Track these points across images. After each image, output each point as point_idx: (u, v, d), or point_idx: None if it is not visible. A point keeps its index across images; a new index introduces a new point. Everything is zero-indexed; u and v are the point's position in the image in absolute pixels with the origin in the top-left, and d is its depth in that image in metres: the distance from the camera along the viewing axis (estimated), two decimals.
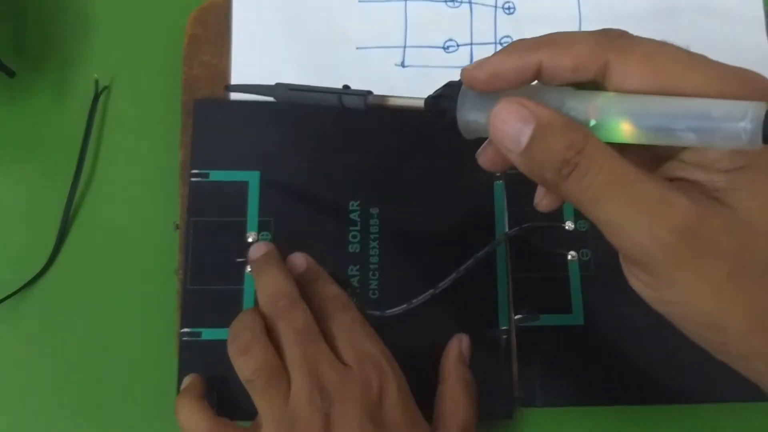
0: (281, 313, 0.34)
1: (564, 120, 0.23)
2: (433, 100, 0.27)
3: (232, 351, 0.33)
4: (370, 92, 0.30)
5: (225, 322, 0.38)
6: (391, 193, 0.40)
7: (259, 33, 0.42)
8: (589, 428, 0.39)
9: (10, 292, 0.39)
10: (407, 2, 0.43)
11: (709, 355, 0.27)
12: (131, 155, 0.42)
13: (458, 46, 0.43)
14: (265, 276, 0.36)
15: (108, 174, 0.42)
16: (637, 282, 0.25)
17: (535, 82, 0.25)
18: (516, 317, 0.39)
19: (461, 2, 0.43)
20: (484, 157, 0.29)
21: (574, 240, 0.39)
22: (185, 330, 0.38)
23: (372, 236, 0.39)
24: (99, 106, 0.42)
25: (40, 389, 0.39)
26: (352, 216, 0.40)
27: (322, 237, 0.39)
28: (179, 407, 0.35)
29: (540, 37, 0.25)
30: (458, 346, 0.37)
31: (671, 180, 0.25)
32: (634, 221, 0.23)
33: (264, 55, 0.42)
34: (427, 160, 0.41)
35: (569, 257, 0.39)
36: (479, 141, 0.38)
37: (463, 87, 0.26)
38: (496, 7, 0.44)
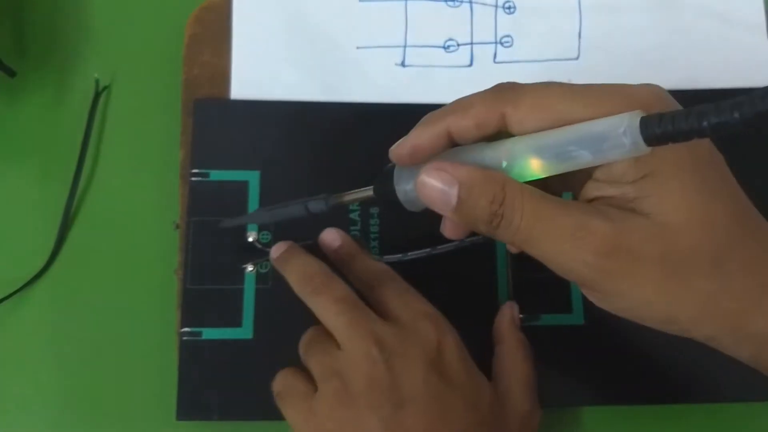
0: (319, 288, 0.34)
1: (482, 174, 0.26)
2: (377, 185, 0.30)
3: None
4: (328, 196, 0.34)
5: (225, 322, 0.38)
6: None
7: (260, 33, 0.42)
8: (589, 428, 0.39)
9: (10, 291, 0.39)
10: (407, 2, 0.43)
11: (709, 355, 0.29)
12: (131, 155, 0.42)
13: (458, 45, 0.43)
14: (293, 262, 0.36)
15: (108, 173, 0.42)
16: (592, 298, 0.28)
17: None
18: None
19: (461, 1, 0.43)
20: (447, 230, 0.32)
21: None
22: (185, 329, 0.38)
23: (372, 236, 0.39)
24: (99, 105, 0.42)
25: (41, 388, 0.39)
26: (352, 216, 0.40)
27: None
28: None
29: (446, 106, 0.28)
30: (510, 311, 0.38)
31: (591, 200, 0.27)
32: (562, 252, 0.26)
33: (264, 54, 0.42)
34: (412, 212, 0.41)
35: None
36: None
37: (396, 166, 0.30)
38: (496, 6, 0.43)
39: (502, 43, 0.43)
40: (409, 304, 0.34)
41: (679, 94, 0.41)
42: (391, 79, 0.42)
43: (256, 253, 0.39)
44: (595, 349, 0.38)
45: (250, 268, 0.39)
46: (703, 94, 0.41)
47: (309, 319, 0.36)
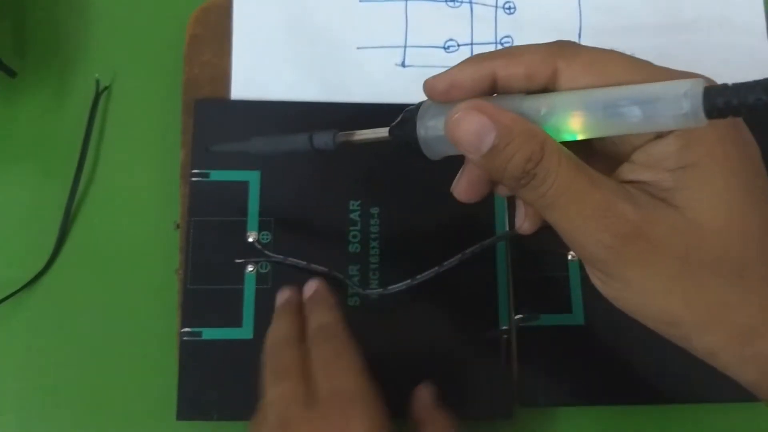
0: (268, 354, 0.35)
1: (523, 127, 0.24)
2: (397, 125, 0.28)
3: None
4: (336, 132, 0.31)
5: (225, 322, 0.38)
6: (391, 192, 0.40)
7: (260, 33, 0.43)
8: (589, 428, 0.39)
9: (11, 292, 0.39)
10: (408, 2, 0.43)
11: None
12: (132, 155, 0.42)
13: (459, 45, 0.43)
14: (275, 322, 0.37)
15: (109, 173, 0.42)
16: (596, 279, 0.27)
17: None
18: (516, 317, 0.39)
19: (462, 2, 0.44)
20: (461, 189, 0.30)
21: None
22: (186, 330, 0.38)
23: (372, 236, 0.39)
24: (100, 105, 0.42)
25: (41, 388, 0.39)
26: (352, 216, 0.40)
27: (323, 237, 0.39)
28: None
29: (496, 50, 0.26)
30: (427, 393, 0.36)
31: (623, 182, 0.25)
32: (582, 228, 0.25)
33: (265, 55, 0.42)
34: (427, 160, 0.41)
35: (569, 257, 0.39)
36: None
37: (423, 103, 0.27)
38: (496, 7, 0.44)
39: (502, 44, 0.43)
40: (329, 378, 0.33)
41: None
42: (392, 79, 0.42)
43: (256, 254, 0.39)
44: (595, 349, 0.39)
45: (250, 268, 0.39)
46: None
47: None
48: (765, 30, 0.42)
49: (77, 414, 0.39)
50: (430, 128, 0.27)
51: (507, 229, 0.39)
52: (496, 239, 0.39)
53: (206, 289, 0.39)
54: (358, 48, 0.43)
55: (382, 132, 0.29)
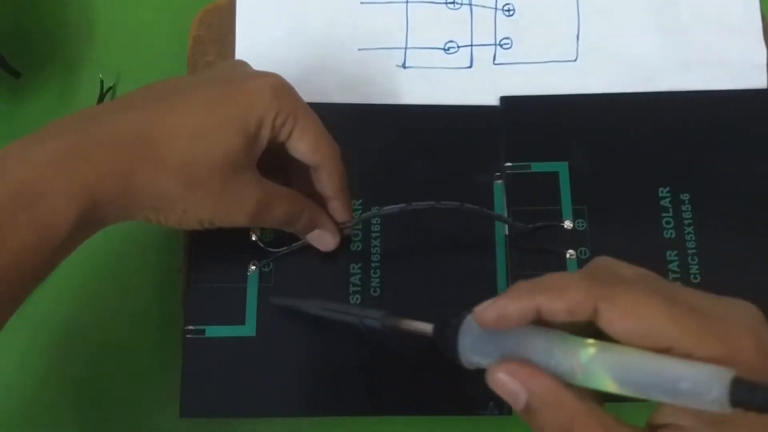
0: None
1: (554, 397, 0.25)
2: (440, 335, 0.30)
3: None
4: (386, 316, 0.33)
5: (228, 320, 0.38)
6: (391, 192, 0.40)
7: (263, 35, 0.43)
8: None
9: None
10: (408, 4, 0.44)
11: None
12: None
13: (459, 47, 0.44)
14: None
15: None
16: None
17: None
18: None
19: (461, 4, 0.44)
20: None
21: (573, 238, 0.39)
22: (190, 327, 0.38)
23: (374, 235, 0.40)
24: None
25: (44, 387, 0.39)
26: (354, 214, 0.40)
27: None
28: None
29: (538, 280, 0.27)
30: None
31: (663, 426, 0.26)
32: None
33: (267, 56, 0.42)
34: (427, 160, 0.41)
35: (568, 256, 0.40)
36: (486, 142, 0.38)
37: (467, 319, 0.28)
38: (495, 9, 0.44)
39: (501, 45, 0.44)
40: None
41: (676, 95, 0.42)
42: (392, 80, 0.43)
43: (259, 252, 0.39)
44: None
45: (253, 267, 0.39)
46: (700, 95, 0.42)
47: (310, 318, 0.37)
48: (761, 33, 0.43)
49: (81, 412, 0.39)
50: (469, 359, 0.28)
51: (506, 230, 0.40)
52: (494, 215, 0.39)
53: (210, 287, 0.39)
54: (360, 49, 0.44)
55: (427, 328, 0.31)
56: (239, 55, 0.43)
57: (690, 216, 0.39)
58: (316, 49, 0.43)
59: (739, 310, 0.25)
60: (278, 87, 0.34)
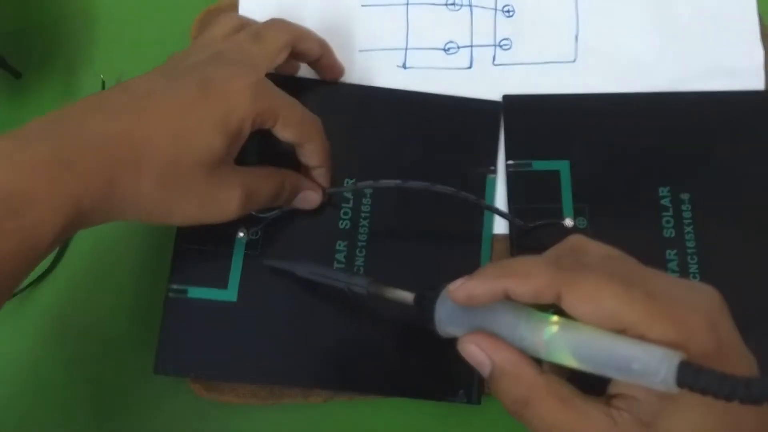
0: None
1: (513, 370, 0.27)
2: (419, 299, 0.32)
3: None
4: (371, 282, 0.34)
5: (212, 283, 0.39)
6: (385, 175, 0.39)
7: None
8: None
9: (16, 290, 0.39)
10: (408, 5, 0.44)
11: None
12: None
13: (459, 48, 0.44)
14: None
15: None
16: None
17: None
18: None
19: (461, 5, 0.44)
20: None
21: None
22: (173, 286, 0.39)
23: (363, 215, 0.40)
24: None
25: (47, 387, 0.39)
26: (345, 194, 0.40)
27: (314, 213, 0.40)
28: None
29: (506, 263, 0.29)
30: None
31: (618, 396, 0.27)
32: None
33: None
34: (421, 148, 0.41)
35: None
36: (480, 140, 0.38)
37: (443, 293, 0.30)
38: (495, 9, 0.44)
39: (501, 46, 0.44)
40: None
41: (674, 96, 0.42)
42: (394, 80, 0.43)
43: (249, 220, 0.39)
44: None
45: (241, 234, 0.39)
46: (699, 95, 0.42)
47: (294, 290, 0.38)
48: (758, 33, 0.43)
49: (83, 411, 0.39)
50: (444, 329, 0.30)
51: (493, 222, 0.40)
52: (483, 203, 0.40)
53: (197, 249, 0.39)
54: (361, 50, 0.44)
55: (408, 298, 0.33)
56: None
57: (689, 215, 0.40)
58: None
59: (697, 295, 0.27)
60: (257, 86, 0.34)
